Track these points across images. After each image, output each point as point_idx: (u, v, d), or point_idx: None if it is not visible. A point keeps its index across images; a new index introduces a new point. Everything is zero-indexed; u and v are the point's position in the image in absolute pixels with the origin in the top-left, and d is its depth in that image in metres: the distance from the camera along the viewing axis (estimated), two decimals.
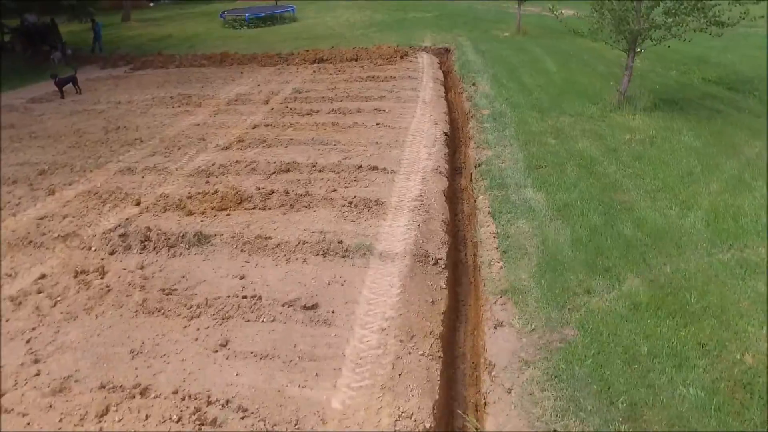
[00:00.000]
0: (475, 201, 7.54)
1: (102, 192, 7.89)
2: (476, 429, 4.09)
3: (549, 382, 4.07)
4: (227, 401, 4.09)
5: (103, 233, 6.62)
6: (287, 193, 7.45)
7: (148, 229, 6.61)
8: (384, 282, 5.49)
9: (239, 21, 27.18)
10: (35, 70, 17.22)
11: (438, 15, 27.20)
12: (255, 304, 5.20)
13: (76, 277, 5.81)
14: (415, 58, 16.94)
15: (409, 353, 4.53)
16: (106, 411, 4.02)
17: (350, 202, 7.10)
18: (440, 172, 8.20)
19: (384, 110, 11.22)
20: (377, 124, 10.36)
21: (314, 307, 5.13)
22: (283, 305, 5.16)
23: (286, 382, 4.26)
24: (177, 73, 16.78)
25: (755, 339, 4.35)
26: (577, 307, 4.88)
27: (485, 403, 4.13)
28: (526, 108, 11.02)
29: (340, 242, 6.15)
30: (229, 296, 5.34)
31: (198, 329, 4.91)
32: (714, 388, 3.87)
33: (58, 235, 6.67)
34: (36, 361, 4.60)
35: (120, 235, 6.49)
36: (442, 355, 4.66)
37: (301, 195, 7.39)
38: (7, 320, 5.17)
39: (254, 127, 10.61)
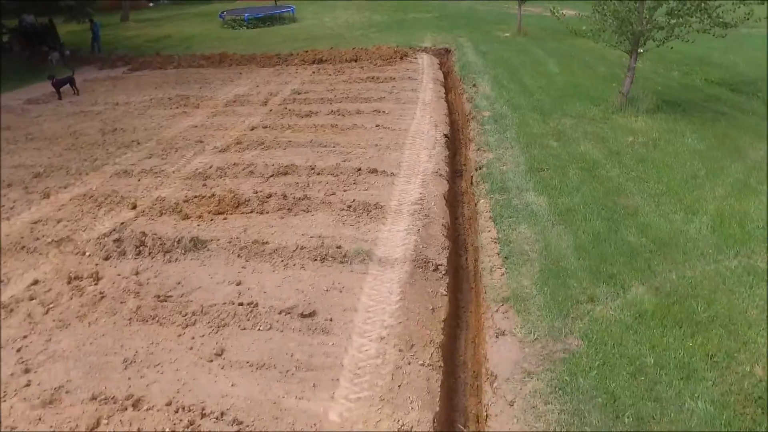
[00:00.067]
0: (475, 205, 7.43)
1: (97, 195, 7.78)
2: None
3: (553, 394, 3.96)
4: (222, 413, 3.99)
5: (98, 238, 6.51)
6: (285, 196, 7.34)
7: (144, 233, 6.49)
8: (383, 289, 5.38)
9: (238, 21, 27.07)
10: (33, 71, 17.10)
11: (438, 15, 27.08)
12: (251, 311, 5.09)
13: (69, 283, 5.69)
14: (415, 58, 16.83)
15: (409, 363, 4.42)
16: (97, 424, 3.92)
17: (349, 206, 6.99)
18: (440, 175, 8.09)
19: (384, 112, 11.11)
20: (377, 125, 10.25)
21: (312, 314, 5.02)
22: (280, 313, 5.05)
23: (283, 393, 4.15)
24: (175, 74, 16.67)
25: (765, 350, 4.24)
26: (580, 315, 4.77)
27: (487, 415, 4.02)
28: (528, 110, 10.91)
29: (339, 247, 6.04)
30: (225, 303, 5.23)
31: (193, 338, 4.80)
32: (723, 402, 3.76)
33: (52, 240, 6.56)
34: (26, 371, 4.50)
35: (115, 240, 6.37)
36: (442, 365, 4.55)
37: (300, 198, 7.28)
38: None
39: (252, 129, 10.50)
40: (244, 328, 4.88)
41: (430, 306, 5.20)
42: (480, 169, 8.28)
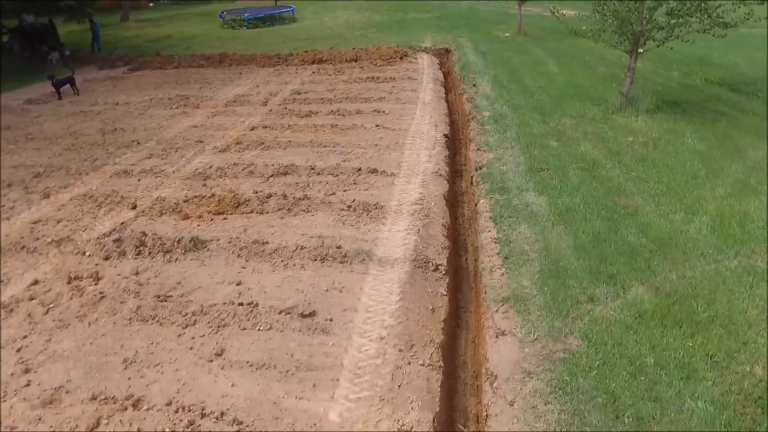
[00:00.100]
0: (475, 205, 7.43)
1: (97, 195, 7.77)
2: None
3: (553, 394, 3.96)
4: (222, 413, 3.99)
5: (98, 238, 6.51)
6: (285, 196, 7.34)
7: (144, 233, 6.49)
8: (383, 289, 5.37)
9: (238, 21, 27.06)
10: (33, 71, 17.09)
11: (438, 15, 27.08)
12: (251, 311, 5.09)
13: (69, 283, 5.69)
14: (415, 58, 16.83)
15: (409, 363, 4.42)
16: (97, 424, 3.91)
17: (349, 206, 6.99)
18: (440, 175, 8.09)
19: (384, 112, 11.11)
20: (377, 125, 10.24)
21: (312, 314, 5.02)
22: (280, 313, 5.05)
23: (283, 393, 4.15)
24: (175, 74, 16.67)
25: (765, 350, 4.24)
26: (580, 315, 4.77)
27: (487, 415, 4.02)
28: (528, 110, 10.91)
29: (339, 247, 6.04)
30: (225, 303, 5.23)
31: (193, 338, 4.80)
32: (724, 402, 3.75)
33: (52, 240, 6.56)
34: (26, 371, 4.49)
35: (115, 240, 6.37)
36: (442, 365, 4.54)
37: (300, 199, 7.28)
38: None
39: (252, 129, 10.49)
40: (244, 328, 4.88)
41: (430, 306, 5.20)
42: (480, 169, 8.28)
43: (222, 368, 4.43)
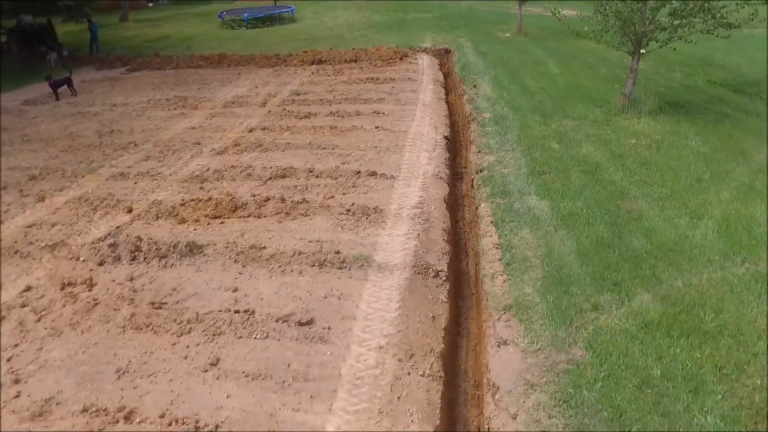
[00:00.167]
0: (476, 208, 7.32)
1: (93, 198, 7.66)
2: None
3: (557, 407, 3.84)
4: (216, 426, 3.88)
5: (93, 242, 6.39)
6: (283, 199, 7.23)
7: (139, 238, 6.38)
8: (382, 295, 5.26)
9: (238, 21, 26.96)
10: (31, 71, 16.98)
11: (438, 16, 26.96)
12: (248, 319, 4.98)
13: (62, 289, 5.58)
14: (415, 59, 16.72)
15: (409, 373, 4.31)
16: None
17: (348, 210, 6.87)
18: (441, 178, 7.98)
19: (383, 113, 11.00)
20: (376, 127, 10.13)
21: (309, 322, 4.91)
22: (277, 320, 4.94)
23: (279, 405, 4.04)
24: (174, 74, 16.55)
25: None
26: (584, 324, 4.65)
27: (489, 429, 3.90)
28: (529, 111, 10.80)
29: (338, 252, 5.93)
30: (220, 311, 5.11)
31: (188, 346, 4.69)
32: (734, 417, 3.64)
33: (46, 245, 6.45)
34: (16, 382, 4.38)
35: (110, 245, 6.25)
36: (442, 375, 4.43)
37: (298, 202, 7.17)
38: None
39: (251, 131, 10.38)
40: (240, 337, 4.77)
41: (431, 313, 5.09)
42: (481, 171, 8.16)
43: (217, 378, 4.32)
